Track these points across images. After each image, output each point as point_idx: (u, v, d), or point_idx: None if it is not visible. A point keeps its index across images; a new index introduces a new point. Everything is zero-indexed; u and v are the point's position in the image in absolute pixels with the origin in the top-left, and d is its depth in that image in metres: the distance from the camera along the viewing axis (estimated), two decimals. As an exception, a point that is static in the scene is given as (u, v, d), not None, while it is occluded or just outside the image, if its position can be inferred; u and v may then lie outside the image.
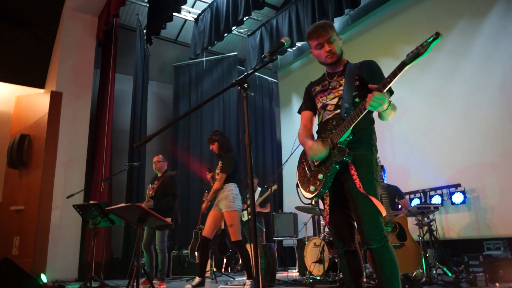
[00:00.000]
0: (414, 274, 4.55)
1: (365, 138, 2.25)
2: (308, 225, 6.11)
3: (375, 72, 2.31)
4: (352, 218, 2.27)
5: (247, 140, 1.93)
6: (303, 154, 2.46)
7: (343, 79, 2.34)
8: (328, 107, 2.36)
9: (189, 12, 9.03)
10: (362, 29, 8.17)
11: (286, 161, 6.68)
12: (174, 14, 7.84)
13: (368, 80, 2.25)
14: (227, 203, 4.42)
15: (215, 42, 8.48)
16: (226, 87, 2.14)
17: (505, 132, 5.65)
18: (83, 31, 7.72)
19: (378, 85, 2.01)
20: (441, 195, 6.11)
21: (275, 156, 10.65)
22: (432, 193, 6.22)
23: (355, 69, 2.33)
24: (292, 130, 9.68)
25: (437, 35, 1.86)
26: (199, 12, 8.89)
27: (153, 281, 5.06)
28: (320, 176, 2.21)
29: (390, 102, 2.06)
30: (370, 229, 2.08)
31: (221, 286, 5.39)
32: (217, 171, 4.63)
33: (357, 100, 2.26)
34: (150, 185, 5.50)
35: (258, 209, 6.93)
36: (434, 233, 5.26)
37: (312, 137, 2.45)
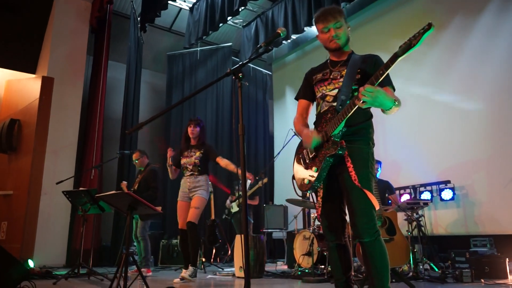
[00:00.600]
0: (401, 268, 4.60)
1: (362, 131, 2.23)
2: (298, 218, 6.15)
3: (379, 66, 2.19)
4: (344, 212, 2.27)
5: (240, 130, 1.93)
6: (300, 146, 2.42)
7: (345, 70, 2.30)
8: (327, 98, 2.32)
9: (184, 1, 8.94)
10: (357, 24, 8.16)
11: (278, 153, 6.69)
12: (169, 2, 7.77)
13: (372, 72, 2.17)
14: (202, 192, 4.48)
15: (210, 32, 8.42)
16: (220, 76, 2.13)
17: (496, 130, 5.70)
18: (76, 16, 7.62)
19: (370, 78, 2.00)
20: (431, 191, 6.16)
21: (267, 149, 10.65)
22: (422, 189, 6.27)
23: (358, 61, 2.29)
24: (285, 123, 9.67)
25: (429, 26, 1.88)
26: (194, 1, 8.80)
27: (142, 269, 5.10)
28: (314, 168, 2.20)
29: (394, 101, 2.04)
30: (363, 223, 2.08)
31: (209, 276, 5.41)
32: (195, 160, 4.56)
33: (356, 93, 2.20)
34: (123, 181, 5.70)
35: (248, 202, 6.94)
36: (423, 228, 5.32)
37: (307, 127, 2.39)
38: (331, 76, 2.34)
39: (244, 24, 9.55)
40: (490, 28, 5.99)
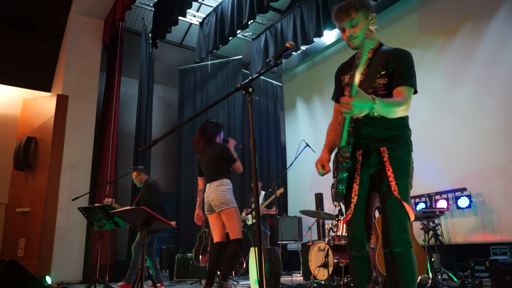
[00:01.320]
0: (419, 279, 4.53)
1: (403, 138, 2.16)
2: (312, 229, 6.10)
3: (400, 64, 2.12)
4: (371, 221, 2.23)
5: (252, 144, 1.94)
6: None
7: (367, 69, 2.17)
8: None
9: (194, 16, 9.07)
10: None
11: (291, 164, 6.68)
12: (179, 18, 7.88)
13: (393, 71, 2.11)
14: (224, 202, 4.10)
15: (220, 45, 8.51)
16: (231, 91, 2.14)
17: (511, 136, 5.62)
18: (89, 35, 7.78)
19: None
20: (447, 199, 6.07)
21: (279, 160, 10.64)
22: (437, 197, 6.19)
23: (382, 60, 2.14)
24: (297, 134, 9.68)
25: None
26: (204, 16, 8.93)
27: (124, 283, 5.09)
28: (335, 181, 2.21)
29: (371, 103, 1.87)
30: (396, 233, 2.02)
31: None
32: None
33: (379, 93, 2.10)
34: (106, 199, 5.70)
35: (264, 212, 6.91)
36: (440, 237, 5.23)
37: (337, 137, 2.24)
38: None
39: (254, 36, 9.63)
40: (502, 33, 5.95)
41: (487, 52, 6.09)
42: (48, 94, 7.39)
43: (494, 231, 5.66)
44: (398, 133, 2.14)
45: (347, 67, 2.33)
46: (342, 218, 5.03)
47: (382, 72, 2.12)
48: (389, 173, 2.07)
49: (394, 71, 2.10)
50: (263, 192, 7.07)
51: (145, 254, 5.20)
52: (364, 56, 1.84)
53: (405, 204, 2.04)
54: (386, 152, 2.10)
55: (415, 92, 2.12)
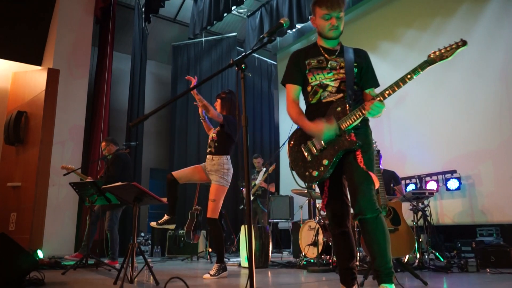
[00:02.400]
0: (406, 258, 4.61)
1: (365, 119, 2.29)
2: (303, 208, 6.16)
3: (369, 66, 2.36)
4: (347, 198, 2.29)
5: (243, 121, 1.92)
6: (300, 135, 2.38)
7: (344, 62, 2.30)
8: (329, 89, 2.29)
9: (189, -9, 8.90)
10: (363, 12, 8.09)
11: (284, 143, 6.67)
12: (173, -8, 7.74)
13: (364, 70, 2.32)
14: (218, 179, 3.97)
15: (214, 22, 8.39)
16: (223, 67, 2.12)
17: (503, 120, 5.66)
18: (81, 8, 7.61)
19: (378, 94, 2.15)
20: (437, 181, 6.14)
21: (272, 139, 10.66)
22: (427, 178, 6.26)
23: (353, 55, 2.32)
24: (290, 113, 9.65)
25: (464, 43, 2.03)
26: (199, -9, 8.76)
27: (105, 261, 4.98)
28: (325, 162, 2.20)
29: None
30: (365, 200, 2.11)
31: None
32: (213, 134, 4.17)
33: (356, 87, 2.31)
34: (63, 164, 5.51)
35: (263, 185, 6.93)
36: (428, 218, 5.31)
37: (304, 115, 2.35)
38: (329, 66, 2.31)
39: (249, 13, 9.50)
40: (497, 16, 5.91)
41: (482, 36, 6.06)
42: (39, 67, 7.27)
43: (482, 213, 5.75)
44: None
45: (310, 54, 2.38)
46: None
47: (355, 64, 2.31)
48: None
49: (364, 69, 2.33)
50: (263, 169, 7.06)
51: (109, 230, 5.13)
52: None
53: (371, 173, 2.15)
54: (352, 132, 2.20)
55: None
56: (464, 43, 1.94)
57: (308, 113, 2.37)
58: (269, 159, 7.44)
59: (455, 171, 5.98)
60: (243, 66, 1.99)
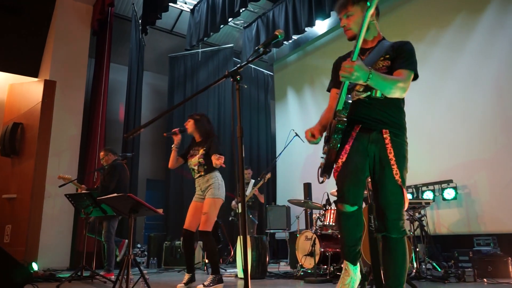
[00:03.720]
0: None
1: (402, 127, 2.23)
2: (300, 219, 6.14)
3: (403, 51, 2.22)
4: (365, 184, 2.26)
5: (238, 132, 1.93)
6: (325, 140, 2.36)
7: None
8: (357, 88, 2.26)
9: (185, 3, 8.96)
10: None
11: (280, 154, 6.70)
12: (170, 4, 7.78)
13: (394, 60, 2.21)
14: (213, 192, 4.01)
15: (211, 33, 8.43)
16: (218, 78, 2.13)
17: (498, 129, 5.69)
18: (78, 19, 7.65)
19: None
20: (433, 191, 6.15)
21: (269, 149, 10.67)
22: (424, 188, 6.26)
23: (385, 48, 2.25)
24: (287, 124, 9.68)
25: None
26: (195, 3, 8.82)
27: (101, 273, 4.91)
28: (325, 148, 2.26)
29: (366, 72, 1.95)
30: (394, 219, 2.08)
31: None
32: (199, 160, 4.12)
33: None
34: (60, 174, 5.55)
35: (256, 193, 6.92)
36: (425, 228, 5.30)
37: (328, 121, 2.32)
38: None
39: (245, 25, 9.57)
40: (492, 26, 5.98)
41: (477, 46, 6.12)
42: (35, 79, 7.28)
43: (479, 223, 5.75)
44: (398, 121, 2.21)
45: (345, 58, 2.37)
46: (329, 208, 5.08)
47: (386, 56, 2.22)
48: (391, 156, 2.11)
49: (396, 56, 2.19)
50: (252, 180, 7.08)
51: (106, 241, 5.11)
52: (361, 34, 2.02)
53: (404, 191, 2.09)
54: (389, 135, 2.14)
55: (416, 77, 2.19)
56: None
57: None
58: (266, 170, 7.46)
59: (451, 181, 5.99)
60: (238, 77, 2.01)
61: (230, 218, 7.68)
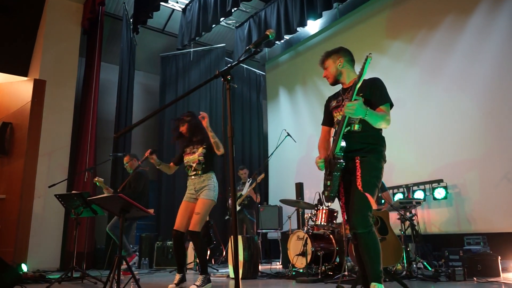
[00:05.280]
0: (394, 268, 4.62)
1: (375, 150, 2.64)
2: (292, 218, 6.15)
3: (376, 88, 2.66)
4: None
5: (229, 132, 1.93)
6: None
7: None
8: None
9: (177, 2, 8.92)
10: (350, 24, 8.19)
11: (272, 153, 6.70)
12: (161, 3, 7.76)
13: (369, 97, 2.63)
14: (207, 193, 4.01)
15: (203, 33, 8.41)
16: (209, 78, 2.12)
17: (488, 130, 5.74)
18: (68, 18, 7.59)
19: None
20: (424, 190, 6.19)
21: (261, 149, 10.67)
22: (414, 188, 6.30)
23: (361, 87, 2.58)
24: (279, 123, 9.69)
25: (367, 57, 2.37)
26: (187, 2, 8.79)
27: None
28: (328, 182, 2.63)
29: (364, 110, 2.42)
30: (358, 217, 2.45)
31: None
32: (199, 158, 4.10)
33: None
34: (97, 177, 5.68)
35: (251, 193, 6.92)
36: (416, 227, 5.34)
37: (328, 150, 2.81)
38: (343, 104, 2.68)
39: (237, 25, 9.56)
40: (481, 28, 6.03)
41: (466, 47, 6.17)
42: (25, 78, 7.20)
43: (469, 222, 5.80)
44: (372, 147, 2.63)
45: (334, 97, 2.92)
46: (321, 208, 5.09)
47: (360, 94, 2.62)
48: (358, 173, 2.56)
49: (372, 95, 2.65)
50: (249, 180, 7.07)
51: (113, 234, 5.27)
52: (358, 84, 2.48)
53: (368, 195, 2.48)
54: (359, 159, 2.60)
55: (392, 105, 2.66)
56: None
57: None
58: (258, 170, 7.46)
59: (441, 181, 6.03)
60: (228, 77, 2.00)
61: (226, 217, 7.67)
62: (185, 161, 4.20)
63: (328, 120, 2.93)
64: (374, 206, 2.50)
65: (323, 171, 2.76)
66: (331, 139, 2.83)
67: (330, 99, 2.94)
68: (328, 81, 2.86)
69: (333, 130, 2.88)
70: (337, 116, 2.78)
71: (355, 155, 2.61)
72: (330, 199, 2.65)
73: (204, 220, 4.02)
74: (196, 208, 3.99)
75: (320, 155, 2.79)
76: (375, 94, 2.64)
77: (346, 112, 2.42)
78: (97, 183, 5.64)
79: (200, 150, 4.12)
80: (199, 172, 4.09)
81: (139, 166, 5.65)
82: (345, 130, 2.60)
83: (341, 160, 2.55)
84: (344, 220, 2.69)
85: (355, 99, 2.46)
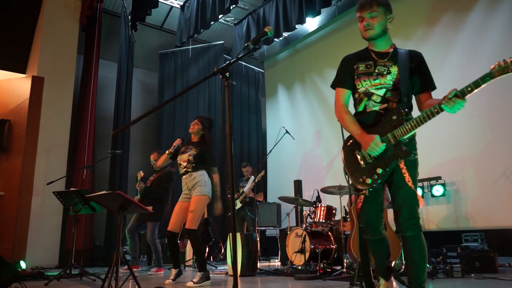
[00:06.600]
0: (392, 264, 4.62)
1: (413, 139, 2.35)
2: (290, 216, 6.16)
3: (425, 66, 2.37)
4: (382, 209, 2.41)
5: (227, 129, 1.93)
6: (355, 140, 2.35)
7: (394, 66, 2.31)
8: (374, 98, 2.31)
9: (176, -1, 8.91)
10: (349, 21, 8.18)
11: (270, 151, 6.70)
12: (159, 0, 7.75)
13: (417, 73, 2.31)
14: (200, 189, 4.10)
15: (201, 30, 8.41)
16: (207, 75, 2.12)
17: (486, 127, 5.75)
18: (66, 15, 7.56)
19: (458, 92, 2.20)
20: (422, 187, 6.20)
21: (260, 146, 10.67)
22: (413, 185, 6.30)
23: (406, 58, 2.31)
24: (277, 121, 9.69)
25: None
26: (186, -1, 8.79)
27: (152, 269, 5.48)
28: (379, 170, 2.24)
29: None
30: (407, 219, 2.20)
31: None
32: (189, 157, 4.20)
33: (407, 95, 2.31)
34: (140, 171, 5.79)
35: (250, 194, 6.94)
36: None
37: (357, 122, 2.34)
38: (376, 71, 2.32)
39: (236, 22, 9.54)
40: (479, 25, 6.03)
41: (465, 44, 6.18)
42: (23, 75, 7.18)
43: (467, 219, 5.82)
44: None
45: (360, 58, 2.42)
46: (319, 205, 5.10)
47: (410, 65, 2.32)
48: (402, 165, 2.25)
49: (421, 72, 2.34)
50: (252, 177, 7.07)
51: (151, 242, 5.50)
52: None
53: (416, 192, 2.25)
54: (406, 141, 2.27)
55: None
56: None
57: (361, 122, 2.36)
58: (257, 167, 7.45)
59: (440, 178, 6.05)
60: (227, 74, 2.00)
61: (229, 214, 7.65)
62: (178, 159, 4.34)
63: (350, 82, 2.39)
64: (422, 203, 2.34)
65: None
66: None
67: (352, 60, 2.43)
68: (365, 34, 2.35)
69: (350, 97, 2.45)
70: (366, 85, 2.31)
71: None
72: (372, 187, 2.26)
73: (200, 217, 4.09)
74: (190, 206, 4.06)
75: (373, 140, 2.20)
76: (425, 74, 2.36)
77: (452, 109, 2.15)
78: (138, 177, 5.77)
79: (193, 151, 4.26)
80: (189, 170, 4.20)
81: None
82: (382, 108, 2.26)
83: (412, 152, 2.22)
84: (358, 210, 2.39)
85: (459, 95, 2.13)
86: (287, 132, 6.34)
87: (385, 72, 2.30)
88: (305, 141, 8.63)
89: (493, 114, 5.70)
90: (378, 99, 2.29)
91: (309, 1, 7.37)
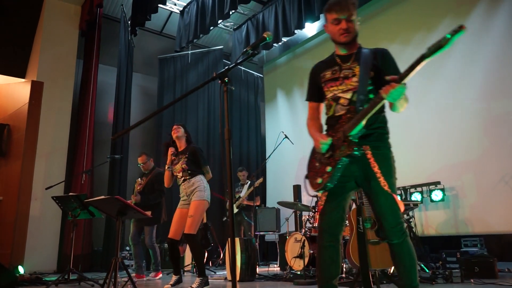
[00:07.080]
0: (391, 270, 4.61)
1: (384, 137, 2.24)
2: (290, 221, 6.15)
3: (390, 61, 2.22)
4: (344, 214, 2.25)
5: (226, 134, 1.93)
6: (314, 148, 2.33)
7: (357, 67, 2.20)
8: (341, 101, 2.21)
9: (175, 4, 8.93)
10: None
11: (270, 155, 6.70)
12: (159, 5, 7.76)
13: (383, 69, 2.16)
14: (198, 194, 4.08)
15: (201, 35, 8.41)
16: (206, 80, 2.12)
17: (485, 132, 5.76)
18: (66, 20, 7.59)
19: (397, 77, 1.95)
20: (421, 193, 6.20)
21: (259, 151, 10.66)
22: (412, 190, 6.31)
23: (370, 57, 2.19)
24: (277, 125, 9.70)
25: (460, 28, 1.81)
26: (185, 4, 8.80)
27: (150, 274, 5.45)
28: (328, 168, 2.14)
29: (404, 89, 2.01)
30: (392, 226, 2.11)
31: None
32: (182, 166, 4.22)
33: (371, 95, 2.16)
34: (139, 179, 5.63)
35: (245, 202, 6.94)
36: (413, 229, 5.34)
37: (321, 129, 2.33)
38: (342, 75, 2.23)
39: (235, 27, 9.57)
40: (478, 30, 6.06)
41: (463, 49, 6.20)
42: (22, 80, 7.20)
43: (466, 224, 5.81)
44: (381, 131, 2.22)
45: (325, 65, 2.34)
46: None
47: (371, 74, 2.18)
48: (376, 169, 2.13)
49: (387, 66, 2.18)
50: (248, 182, 7.06)
51: (150, 246, 5.44)
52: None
53: (396, 197, 2.12)
54: (370, 150, 2.15)
55: None
56: (460, 28, 1.81)
57: (327, 126, 2.32)
58: (256, 172, 7.45)
59: (439, 183, 6.05)
60: (226, 79, 2.00)
61: (224, 219, 7.65)
62: (173, 172, 4.35)
63: (317, 94, 2.36)
64: (402, 207, 2.17)
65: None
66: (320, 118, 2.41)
67: (319, 68, 2.35)
68: (342, 38, 2.22)
69: (321, 106, 2.39)
70: (333, 90, 2.24)
71: (363, 144, 2.14)
72: (323, 188, 2.17)
73: (199, 222, 4.06)
74: (189, 210, 4.04)
75: (322, 136, 2.19)
76: (393, 67, 2.19)
77: (391, 96, 1.94)
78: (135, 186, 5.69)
79: (183, 158, 4.25)
80: (187, 177, 4.19)
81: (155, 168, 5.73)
82: (346, 111, 2.18)
83: (357, 148, 2.09)
84: (319, 211, 2.26)
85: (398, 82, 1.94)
86: (286, 137, 6.34)
87: (350, 75, 2.21)
88: (304, 146, 8.62)
89: (492, 119, 5.71)
90: (346, 102, 2.20)
91: (308, 6, 7.39)
